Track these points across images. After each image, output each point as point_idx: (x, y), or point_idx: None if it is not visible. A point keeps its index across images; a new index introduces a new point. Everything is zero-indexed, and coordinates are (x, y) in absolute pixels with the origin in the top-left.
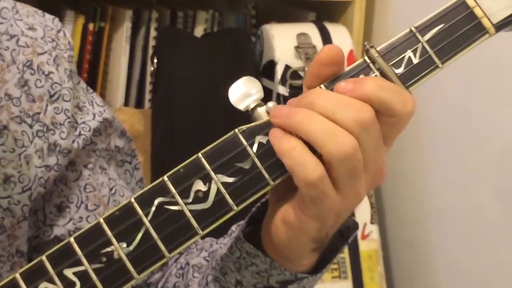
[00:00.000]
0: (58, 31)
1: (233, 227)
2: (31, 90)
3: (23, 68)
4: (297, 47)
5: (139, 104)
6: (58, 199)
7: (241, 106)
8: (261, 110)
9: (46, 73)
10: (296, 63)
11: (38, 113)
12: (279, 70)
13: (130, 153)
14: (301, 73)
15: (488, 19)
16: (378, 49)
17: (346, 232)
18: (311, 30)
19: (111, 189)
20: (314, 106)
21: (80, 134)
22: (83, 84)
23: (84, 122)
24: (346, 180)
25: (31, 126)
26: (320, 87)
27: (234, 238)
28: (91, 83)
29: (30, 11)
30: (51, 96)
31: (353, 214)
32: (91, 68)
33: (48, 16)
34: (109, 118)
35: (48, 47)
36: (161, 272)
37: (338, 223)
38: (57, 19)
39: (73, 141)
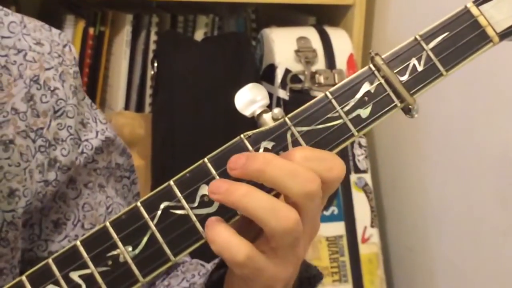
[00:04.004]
0: (64, 46)
1: (209, 266)
2: (36, 105)
3: (30, 83)
4: (297, 51)
5: (139, 108)
6: (56, 215)
7: (247, 112)
8: (267, 116)
9: (52, 88)
10: (296, 67)
11: (42, 128)
12: (279, 74)
13: (129, 168)
14: (301, 77)
15: (492, 28)
16: (383, 56)
17: (313, 280)
18: (311, 34)
19: (107, 208)
20: (263, 174)
21: (82, 152)
22: (87, 100)
23: (87, 140)
24: (287, 249)
25: (34, 141)
26: (326, 95)
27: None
28: (92, 87)
29: (37, 26)
30: (55, 112)
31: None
32: (91, 72)
33: (55, 31)
34: (111, 136)
35: (55, 63)
36: None
37: (293, 277)
38: (63, 34)
39: (76, 158)
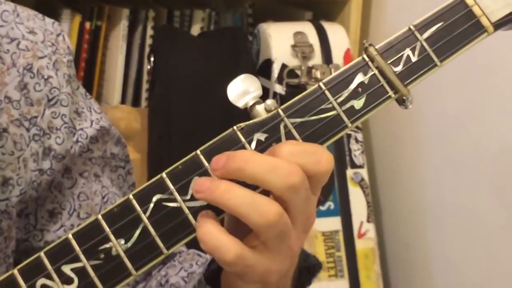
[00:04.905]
0: (58, 35)
1: (208, 255)
2: (29, 93)
3: (23, 71)
4: (293, 46)
5: (136, 103)
6: (51, 205)
7: (240, 104)
8: (260, 108)
9: (46, 77)
10: (292, 62)
11: (36, 117)
12: (275, 69)
13: (124, 158)
14: (298, 72)
15: (487, 17)
16: (376, 47)
17: (312, 269)
18: (308, 29)
19: (103, 197)
20: (243, 172)
21: (77, 141)
22: (82, 90)
23: (82, 129)
24: (276, 242)
25: (28, 130)
26: (319, 86)
27: (197, 279)
28: (88, 81)
29: (31, 15)
30: (49, 101)
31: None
32: (88, 66)
33: (48, 20)
34: (106, 126)
35: (48, 51)
36: (145, 282)
37: (291, 268)
38: (56, 23)
39: (71, 147)
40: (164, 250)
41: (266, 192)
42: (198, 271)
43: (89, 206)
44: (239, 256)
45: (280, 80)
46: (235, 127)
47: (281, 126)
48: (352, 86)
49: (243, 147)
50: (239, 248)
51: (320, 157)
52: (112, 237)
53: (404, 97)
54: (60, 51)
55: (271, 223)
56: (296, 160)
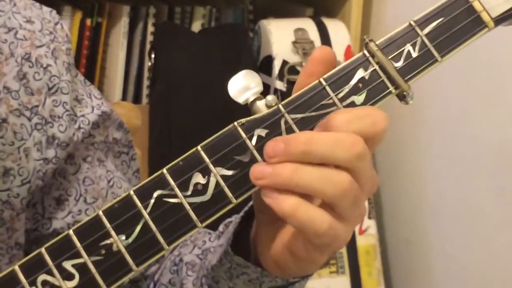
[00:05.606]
0: (56, 24)
1: (221, 228)
2: (29, 83)
3: (21, 61)
4: (294, 42)
5: (136, 99)
6: (57, 192)
7: (241, 100)
8: (260, 104)
9: (45, 66)
10: (293, 58)
11: (37, 106)
12: (276, 65)
13: (127, 144)
14: (299, 68)
15: (487, 13)
16: (377, 43)
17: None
18: (309, 26)
19: (109, 182)
20: (310, 154)
21: (79, 128)
22: (80, 77)
23: (83, 115)
24: (351, 210)
25: (29, 119)
26: (320, 82)
27: (223, 250)
28: (89, 78)
29: (28, 4)
30: (49, 89)
31: None
32: (88, 63)
33: (46, 9)
34: (107, 111)
35: (46, 40)
36: (158, 265)
37: None
38: (54, 12)
39: (73, 134)
40: (165, 246)
41: None
42: (214, 244)
43: (95, 191)
44: (331, 226)
45: (281, 76)
46: (235, 123)
47: (282, 122)
48: (353, 81)
49: (244, 143)
50: (330, 218)
51: (374, 118)
52: (113, 233)
53: (404, 93)
54: (58, 39)
55: (346, 192)
56: (353, 127)
